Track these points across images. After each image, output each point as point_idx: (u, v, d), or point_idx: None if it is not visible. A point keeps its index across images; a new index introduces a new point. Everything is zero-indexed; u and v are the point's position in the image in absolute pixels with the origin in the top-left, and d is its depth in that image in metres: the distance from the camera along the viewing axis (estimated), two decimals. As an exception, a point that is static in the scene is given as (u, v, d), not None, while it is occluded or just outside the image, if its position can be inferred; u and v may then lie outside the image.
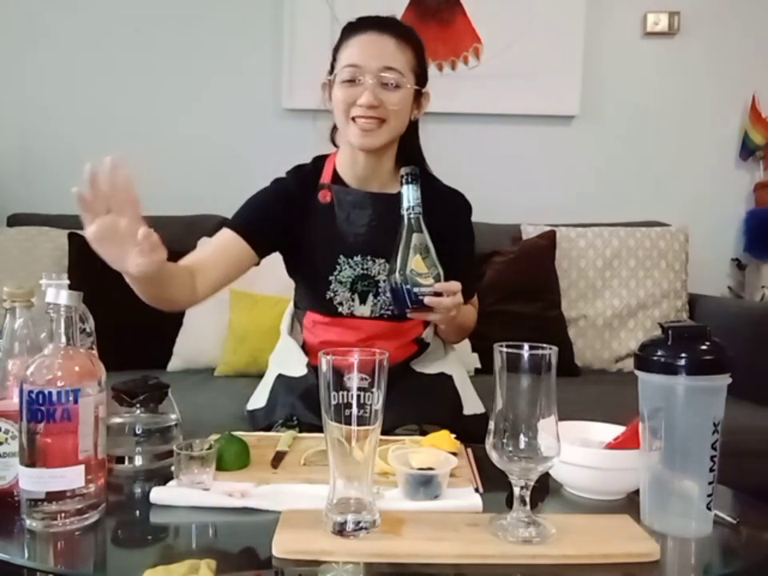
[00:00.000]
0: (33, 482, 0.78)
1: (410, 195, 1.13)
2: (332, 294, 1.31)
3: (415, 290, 1.09)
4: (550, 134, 2.54)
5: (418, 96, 1.29)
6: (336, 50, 1.28)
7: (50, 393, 0.77)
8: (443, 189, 1.38)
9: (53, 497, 0.77)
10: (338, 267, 1.30)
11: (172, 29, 2.47)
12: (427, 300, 1.09)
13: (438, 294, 1.10)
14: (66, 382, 0.78)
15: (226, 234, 1.27)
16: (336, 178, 1.34)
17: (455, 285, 1.12)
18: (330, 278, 1.30)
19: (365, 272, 1.30)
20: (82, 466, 0.79)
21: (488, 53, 2.46)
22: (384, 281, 1.29)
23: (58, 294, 0.80)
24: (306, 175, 1.35)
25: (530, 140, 2.53)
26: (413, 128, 1.34)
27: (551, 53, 2.45)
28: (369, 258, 1.30)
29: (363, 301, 1.31)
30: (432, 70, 2.55)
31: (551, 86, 2.46)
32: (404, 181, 1.13)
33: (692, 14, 2.50)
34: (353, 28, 1.26)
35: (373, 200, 1.30)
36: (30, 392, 0.77)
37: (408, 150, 1.35)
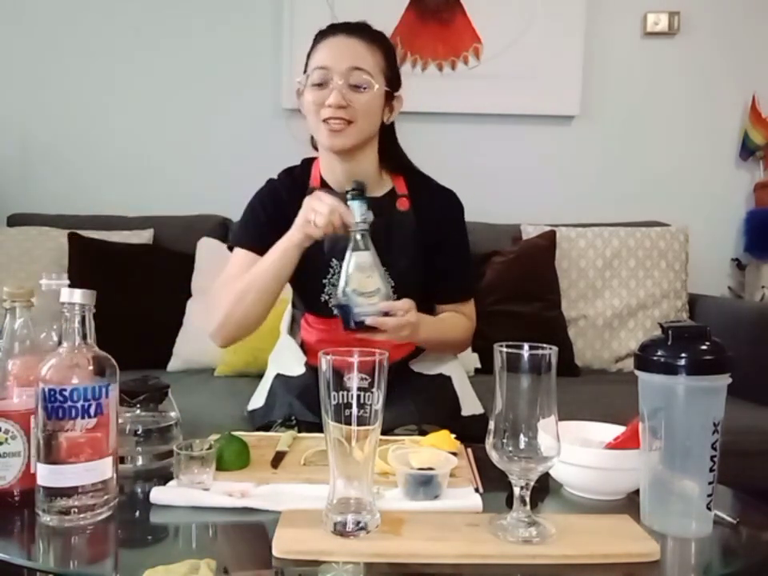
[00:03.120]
0: (60, 477, 0.79)
1: (354, 212, 1.09)
2: (327, 297, 1.31)
3: (356, 309, 1.06)
4: (550, 134, 2.54)
5: (390, 99, 1.29)
6: (308, 56, 1.29)
7: (84, 389, 0.79)
8: (435, 188, 1.38)
9: (78, 491, 0.79)
10: (332, 271, 1.30)
11: (172, 29, 2.48)
12: (370, 320, 1.07)
13: (385, 314, 1.07)
14: (93, 379, 0.81)
15: (245, 259, 1.28)
16: (323, 181, 1.34)
17: (405, 303, 1.11)
18: (324, 281, 1.30)
19: None
20: (111, 458, 0.82)
21: (488, 53, 2.46)
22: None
23: (72, 293, 0.81)
24: (296, 178, 1.36)
25: (530, 140, 2.53)
26: (389, 131, 1.34)
27: (551, 53, 2.45)
28: None
29: None
30: (432, 69, 2.56)
31: (551, 86, 2.46)
32: (349, 197, 1.10)
33: (692, 14, 2.50)
34: (323, 34, 1.27)
35: None
36: (63, 390, 0.78)
37: (389, 154, 1.35)
